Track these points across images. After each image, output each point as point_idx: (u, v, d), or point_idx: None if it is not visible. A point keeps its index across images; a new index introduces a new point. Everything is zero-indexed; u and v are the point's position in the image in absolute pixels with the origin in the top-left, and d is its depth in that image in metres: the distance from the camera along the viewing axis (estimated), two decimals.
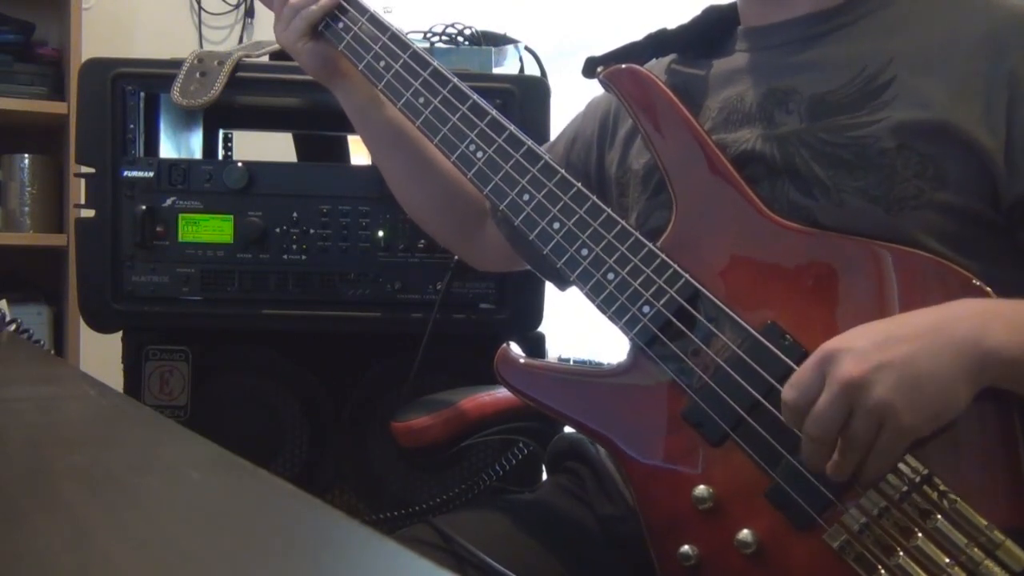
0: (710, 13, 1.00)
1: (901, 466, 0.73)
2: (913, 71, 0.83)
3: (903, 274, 0.78)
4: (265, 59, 1.35)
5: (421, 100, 0.99)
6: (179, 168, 1.27)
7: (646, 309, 0.85)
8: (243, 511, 0.38)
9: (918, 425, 0.70)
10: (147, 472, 0.44)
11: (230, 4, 2.81)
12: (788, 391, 0.73)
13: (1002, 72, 0.80)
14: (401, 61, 1.00)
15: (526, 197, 0.92)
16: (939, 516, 0.72)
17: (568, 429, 1.08)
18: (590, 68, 0.94)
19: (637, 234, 0.87)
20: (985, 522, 0.71)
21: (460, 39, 1.44)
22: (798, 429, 0.74)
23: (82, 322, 1.30)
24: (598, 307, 0.87)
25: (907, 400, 0.69)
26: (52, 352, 2.12)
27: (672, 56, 1.01)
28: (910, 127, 0.80)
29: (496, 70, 1.40)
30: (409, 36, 1.03)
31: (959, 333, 0.71)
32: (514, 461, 1.26)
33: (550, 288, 1.00)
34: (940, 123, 0.80)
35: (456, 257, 1.26)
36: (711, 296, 0.83)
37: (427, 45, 1.42)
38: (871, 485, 0.74)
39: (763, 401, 0.79)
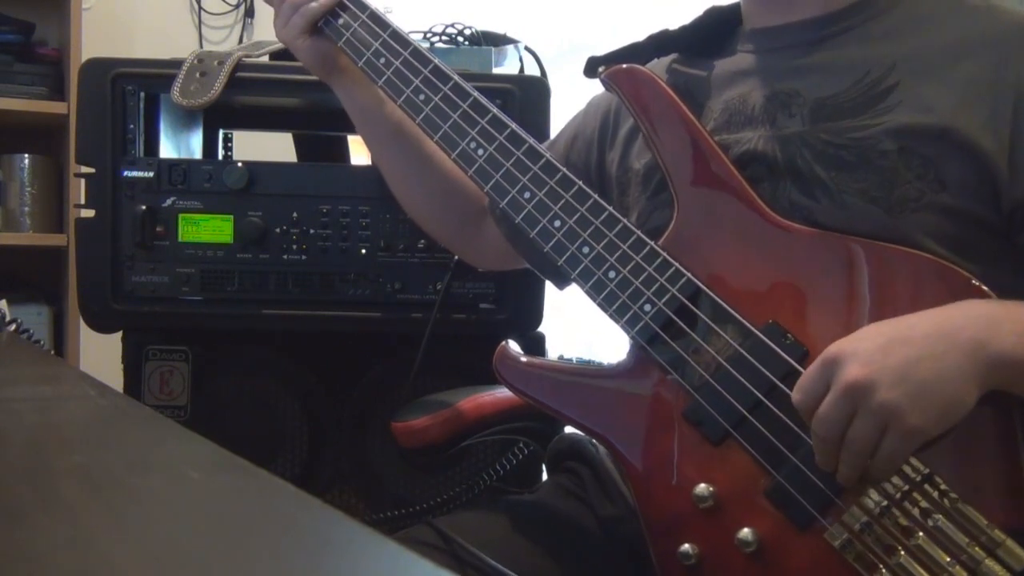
0: (712, 14, 0.99)
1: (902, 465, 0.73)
2: (916, 76, 0.83)
3: (903, 274, 0.78)
4: (265, 59, 1.35)
5: (421, 97, 0.98)
6: (179, 168, 1.27)
7: (647, 307, 0.85)
8: (243, 511, 0.38)
9: (925, 427, 0.70)
10: (147, 472, 0.44)
11: (230, 4, 2.81)
12: (795, 394, 0.74)
13: (1008, 79, 0.80)
14: (401, 58, 1.00)
15: (527, 195, 0.92)
16: (940, 515, 0.72)
17: (568, 429, 1.08)
18: (592, 68, 0.94)
19: (639, 232, 0.87)
20: (986, 521, 0.71)
21: (460, 39, 1.44)
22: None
23: (82, 322, 1.30)
24: (599, 305, 0.87)
25: (911, 401, 0.69)
26: (52, 352, 2.11)
27: (673, 56, 1.01)
28: (912, 131, 0.81)
29: (496, 70, 1.40)
30: (410, 35, 1.03)
31: (964, 335, 0.71)
32: (514, 461, 1.26)
33: (550, 288, 1.00)
34: (942, 128, 0.80)
35: (456, 257, 1.26)
36: (712, 295, 0.83)
37: (427, 45, 1.42)
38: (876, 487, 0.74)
39: (764, 400, 0.79)
